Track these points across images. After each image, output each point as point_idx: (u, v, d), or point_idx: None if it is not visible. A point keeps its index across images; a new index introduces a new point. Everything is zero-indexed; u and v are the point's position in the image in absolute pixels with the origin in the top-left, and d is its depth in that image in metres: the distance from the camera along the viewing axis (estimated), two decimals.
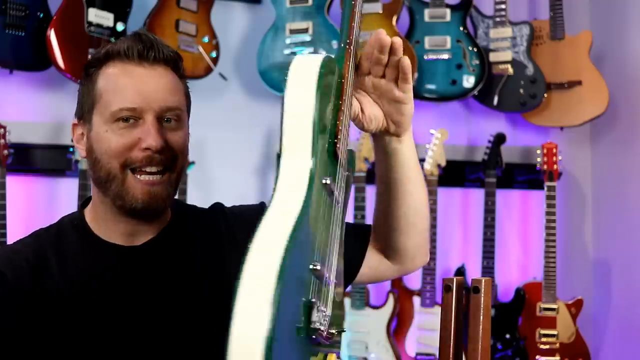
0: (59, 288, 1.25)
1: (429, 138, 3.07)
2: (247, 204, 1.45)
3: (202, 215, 1.41)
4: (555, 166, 3.07)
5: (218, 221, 1.39)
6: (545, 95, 3.15)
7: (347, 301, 2.98)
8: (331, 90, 1.02)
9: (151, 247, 1.31)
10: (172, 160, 1.27)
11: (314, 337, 0.86)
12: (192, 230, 1.36)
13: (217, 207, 1.44)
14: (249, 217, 1.29)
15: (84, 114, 1.30)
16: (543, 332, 3.05)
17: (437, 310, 2.95)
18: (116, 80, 1.26)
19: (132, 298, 1.27)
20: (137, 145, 1.23)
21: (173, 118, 1.27)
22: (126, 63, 1.27)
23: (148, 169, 1.25)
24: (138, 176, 1.24)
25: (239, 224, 1.36)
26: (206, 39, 2.88)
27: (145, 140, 1.23)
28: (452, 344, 1.24)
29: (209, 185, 3.02)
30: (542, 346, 3.04)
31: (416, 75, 3.03)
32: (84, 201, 1.38)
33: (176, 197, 1.39)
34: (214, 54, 2.89)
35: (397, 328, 3.07)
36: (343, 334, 1.08)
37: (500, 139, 3.18)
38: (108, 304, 1.26)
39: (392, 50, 1.15)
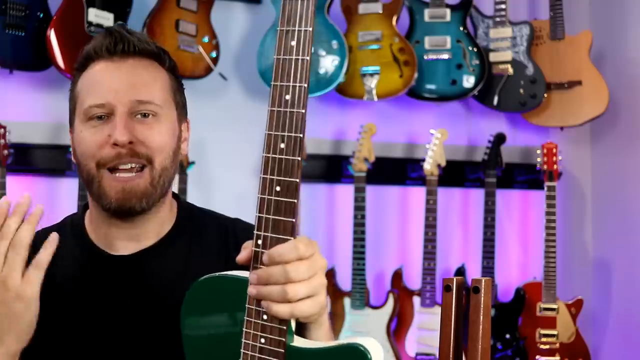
0: (47, 295, 1.21)
1: (429, 138, 3.07)
2: None
3: (214, 227, 1.35)
4: (555, 166, 3.07)
5: (228, 238, 1.33)
6: (545, 95, 3.15)
7: (347, 301, 2.98)
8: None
9: (141, 258, 1.27)
10: (148, 158, 1.22)
11: None
12: (192, 244, 1.31)
13: (238, 224, 1.37)
14: None
15: (71, 119, 1.29)
16: (543, 332, 3.05)
17: (437, 310, 2.95)
18: (88, 79, 1.25)
19: (111, 309, 1.24)
20: (107, 142, 1.20)
21: (150, 112, 1.23)
22: (99, 61, 1.25)
23: (122, 167, 1.21)
24: (114, 174, 1.21)
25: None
26: (206, 39, 2.88)
27: (112, 134, 1.20)
28: (452, 344, 1.24)
29: (209, 185, 3.02)
30: (542, 346, 3.04)
31: (416, 75, 3.02)
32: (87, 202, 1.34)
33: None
34: (214, 54, 2.89)
35: (397, 328, 3.06)
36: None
37: (500, 139, 3.18)
38: (87, 313, 1.23)
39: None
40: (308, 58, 1.01)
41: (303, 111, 1.00)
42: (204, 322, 1.09)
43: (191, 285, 1.09)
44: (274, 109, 1.02)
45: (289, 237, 1.00)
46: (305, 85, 1.01)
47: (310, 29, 1.00)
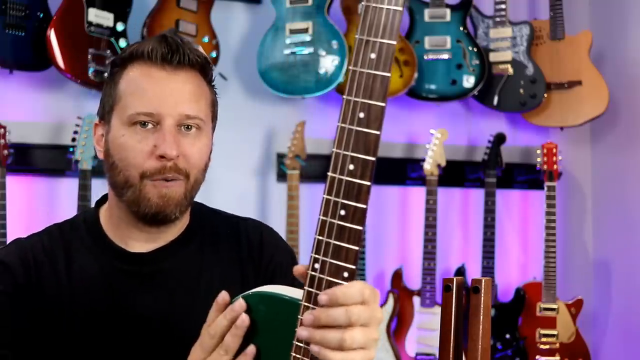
0: (62, 288, 1.24)
1: (429, 138, 3.07)
2: (285, 244, 1.41)
3: (226, 227, 1.38)
4: (555, 166, 3.07)
5: (240, 237, 1.36)
6: (545, 95, 3.15)
7: None
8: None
9: (158, 256, 1.29)
10: (186, 173, 1.24)
11: None
12: (205, 244, 1.34)
13: (250, 223, 1.40)
14: (279, 258, 1.33)
15: (104, 114, 1.27)
16: (543, 332, 3.05)
17: (437, 310, 2.95)
18: (136, 83, 1.23)
19: (132, 305, 1.26)
20: (153, 153, 1.20)
21: (194, 126, 1.24)
22: (149, 65, 1.23)
23: (162, 178, 1.22)
24: (154, 182, 1.21)
25: (266, 255, 1.34)
26: (206, 39, 2.88)
27: (160, 147, 1.19)
28: (452, 344, 1.24)
29: (209, 185, 2.99)
30: (542, 346, 3.04)
31: (416, 75, 3.03)
32: (100, 198, 1.36)
33: None
34: (214, 54, 2.89)
35: (397, 328, 3.07)
36: None
37: (500, 139, 3.19)
38: (108, 309, 1.25)
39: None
40: (389, 75, 0.91)
41: (378, 133, 0.91)
42: (245, 341, 1.02)
43: (232, 300, 1.04)
44: (344, 125, 0.93)
45: (351, 266, 0.92)
46: (384, 104, 0.91)
47: (394, 42, 0.90)
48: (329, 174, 0.93)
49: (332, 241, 0.93)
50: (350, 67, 0.92)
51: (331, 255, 0.93)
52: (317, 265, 0.94)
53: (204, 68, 1.28)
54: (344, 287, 0.92)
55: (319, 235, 0.94)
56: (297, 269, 0.99)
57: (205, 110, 1.27)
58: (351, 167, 0.92)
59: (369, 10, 0.91)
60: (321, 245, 0.94)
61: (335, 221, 0.93)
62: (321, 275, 0.94)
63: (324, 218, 0.94)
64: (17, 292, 1.23)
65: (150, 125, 1.21)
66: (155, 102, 1.21)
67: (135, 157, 1.21)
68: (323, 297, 0.92)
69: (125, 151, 1.22)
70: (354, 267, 0.93)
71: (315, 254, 0.94)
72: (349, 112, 0.92)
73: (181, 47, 1.24)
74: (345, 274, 0.93)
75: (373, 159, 0.91)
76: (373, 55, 0.91)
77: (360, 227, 0.93)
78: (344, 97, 0.93)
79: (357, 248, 0.92)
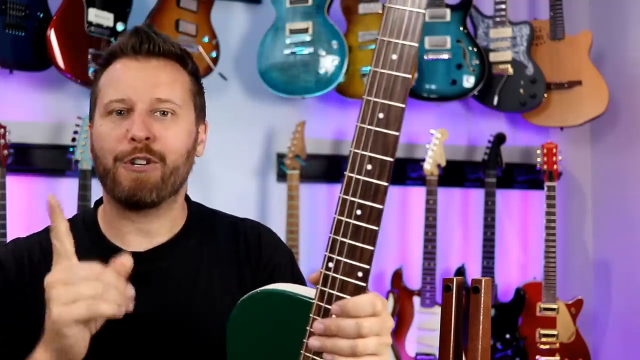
0: None
1: (429, 138, 3.07)
2: (283, 245, 1.42)
3: (224, 227, 1.38)
4: (555, 166, 3.07)
5: (239, 238, 1.36)
6: (545, 95, 3.15)
7: None
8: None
9: (154, 255, 1.28)
10: (161, 156, 1.24)
11: None
12: (204, 245, 1.33)
13: (247, 223, 1.40)
14: (278, 259, 1.33)
15: (91, 114, 1.31)
16: (543, 332, 3.05)
17: (437, 310, 2.95)
18: (111, 76, 1.27)
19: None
20: (125, 137, 1.22)
21: (169, 111, 1.25)
22: (124, 59, 1.27)
23: (137, 162, 1.23)
24: (125, 165, 1.22)
25: (264, 255, 1.34)
26: (206, 39, 2.88)
27: (130, 129, 1.21)
28: (452, 344, 1.24)
29: (209, 185, 3.02)
30: (542, 346, 3.04)
31: (416, 75, 3.03)
32: (100, 198, 1.36)
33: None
34: (214, 54, 2.89)
35: (397, 328, 3.07)
36: None
37: (500, 139, 3.19)
38: None
39: None
40: (409, 76, 0.91)
41: (397, 134, 0.92)
42: (254, 340, 1.04)
43: (241, 299, 1.05)
44: (363, 126, 0.92)
45: (365, 266, 0.93)
46: (404, 106, 0.91)
47: (416, 44, 0.91)
48: (347, 173, 0.94)
49: (348, 240, 0.94)
50: (372, 68, 0.92)
51: (346, 254, 0.94)
52: (331, 265, 0.95)
53: (181, 58, 1.30)
54: (356, 299, 0.93)
55: (334, 234, 0.95)
56: (312, 277, 0.99)
57: (182, 96, 1.28)
58: (369, 167, 0.92)
59: (391, 12, 0.91)
60: (336, 244, 0.94)
61: (351, 221, 0.94)
62: (335, 275, 0.95)
63: (340, 217, 0.94)
64: (8, 289, 1.24)
65: (124, 112, 1.23)
66: (127, 88, 1.23)
67: (110, 143, 1.23)
68: (334, 307, 0.93)
69: (101, 140, 1.24)
70: (368, 267, 0.93)
71: (330, 253, 0.95)
72: (369, 112, 0.93)
73: (152, 38, 1.27)
74: (360, 274, 0.94)
75: (391, 159, 0.92)
76: (394, 57, 0.91)
77: (376, 228, 0.93)
78: (364, 97, 0.93)
79: (372, 248, 0.93)
